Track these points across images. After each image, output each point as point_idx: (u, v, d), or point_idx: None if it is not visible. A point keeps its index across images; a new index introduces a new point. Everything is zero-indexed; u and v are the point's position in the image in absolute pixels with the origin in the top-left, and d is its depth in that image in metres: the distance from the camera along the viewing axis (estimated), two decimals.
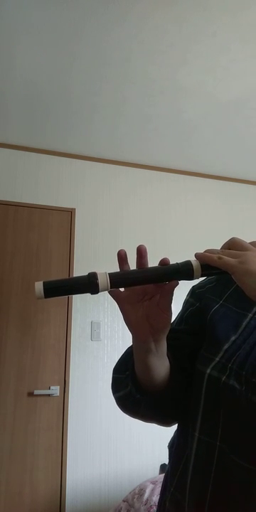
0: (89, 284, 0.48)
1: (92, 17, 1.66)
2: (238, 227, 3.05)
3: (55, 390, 2.32)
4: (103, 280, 0.48)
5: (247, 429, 0.50)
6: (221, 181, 3.19)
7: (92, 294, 0.48)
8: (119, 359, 0.66)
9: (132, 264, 0.54)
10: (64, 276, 2.52)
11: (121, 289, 0.53)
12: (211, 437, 0.54)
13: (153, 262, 0.55)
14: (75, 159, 2.82)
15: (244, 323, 0.58)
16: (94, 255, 2.65)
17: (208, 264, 0.49)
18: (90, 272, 0.48)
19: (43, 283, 0.47)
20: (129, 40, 1.79)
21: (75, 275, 2.05)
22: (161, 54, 1.87)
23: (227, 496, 0.50)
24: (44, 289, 0.47)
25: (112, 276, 0.49)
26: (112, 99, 2.22)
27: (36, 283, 0.47)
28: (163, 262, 0.52)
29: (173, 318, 0.70)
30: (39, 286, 0.47)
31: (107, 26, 1.71)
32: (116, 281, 0.49)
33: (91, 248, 2.67)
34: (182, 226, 2.94)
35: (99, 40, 1.78)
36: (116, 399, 0.63)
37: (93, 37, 1.77)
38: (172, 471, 0.62)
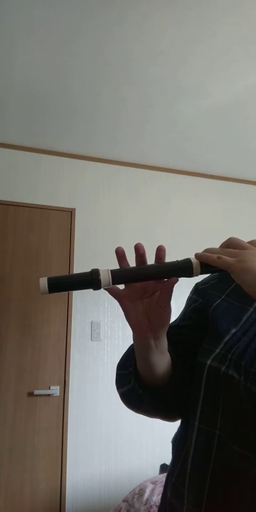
0: (91, 280, 0.50)
1: (91, 17, 1.66)
2: (238, 227, 3.05)
3: (55, 390, 2.32)
4: (105, 277, 0.50)
5: (246, 418, 0.51)
6: (221, 181, 3.19)
7: (94, 289, 0.50)
8: (123, 355, 0.68)
9: (131, 263, 0.55)
10: None
11: (121, 287, 0.55)
12: (211, 426, 0.55)
13: (153, 260, 0.55)
14: (74, 159, 2.82)
15: (245, 317, 0.60)
16: (94, 255, 2.65)
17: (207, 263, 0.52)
18: (93, 268, 0.51)
19: (48, 278, 0.49)
20: (129, 40, 1.79)
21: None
22: (160, 54, 1.87)
23: (226, 484, 0.51)
24: (49, 284, 0.49)
25: (113, 272, 0.51)
26: (112, 99, 2.22)
27: (41, 278, 0.49)
28: (159, 257, 0.53)
29: (175, 317, 0.70)
30: (44, 281, 0.49)
31: (107, 26, 1.71)
32: (118, 277, 0.51)
33: (91, 248, 2.67)
34: (181, 225, 2.94)
35: (99, 40, 1.79)
36: (120, 394, 0.65)
37: (93, 37, 1.77)
38: (173, 463, 0.64)
